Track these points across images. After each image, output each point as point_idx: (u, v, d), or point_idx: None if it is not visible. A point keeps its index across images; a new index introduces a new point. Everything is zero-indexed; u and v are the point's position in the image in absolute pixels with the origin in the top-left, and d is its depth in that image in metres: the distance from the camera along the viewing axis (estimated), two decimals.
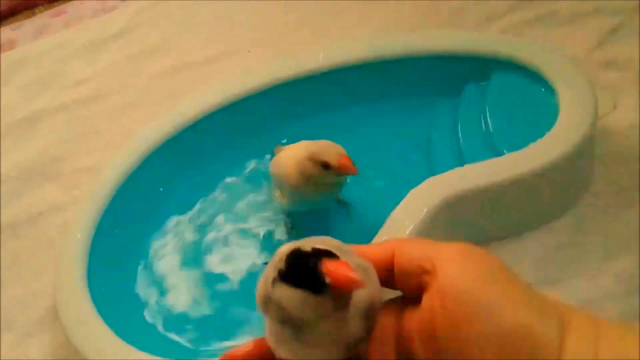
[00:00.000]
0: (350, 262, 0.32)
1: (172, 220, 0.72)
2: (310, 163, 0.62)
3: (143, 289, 0.66)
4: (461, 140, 0.70)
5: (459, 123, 0.71)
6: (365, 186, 0.70)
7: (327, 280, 0.31)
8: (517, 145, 0.62)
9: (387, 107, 0.78)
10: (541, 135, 0.62)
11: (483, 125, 0.69)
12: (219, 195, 0.74)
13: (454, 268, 0.33)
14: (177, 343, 0.61)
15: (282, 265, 0.32)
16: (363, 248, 0.37)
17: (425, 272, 0.33)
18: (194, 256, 0.68)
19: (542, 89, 0.69)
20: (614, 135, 0.71)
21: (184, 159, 0.75)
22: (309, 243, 0.32)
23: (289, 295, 0.31)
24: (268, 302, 0.32)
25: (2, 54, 1.06)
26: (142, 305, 0.64)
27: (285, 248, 0.33)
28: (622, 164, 0.68)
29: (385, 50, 0.78)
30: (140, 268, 0.68)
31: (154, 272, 0.67)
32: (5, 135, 0.91)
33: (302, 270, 0.31)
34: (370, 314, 0.34)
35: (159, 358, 0.55)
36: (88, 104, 0.93)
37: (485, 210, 0.61)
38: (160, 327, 0.62)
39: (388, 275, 0.36)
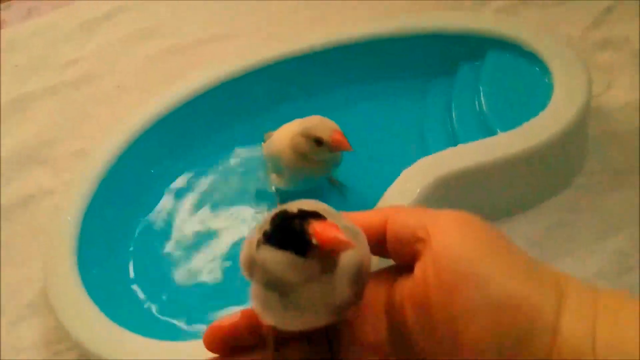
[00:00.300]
0: (338, 224, 0.30)
1: (164, 202, 0.71)
2: (303, 139, 0.62)
3: (135, 271, 0.66)
4: (455, 120, 0.69)
5: (453, 103, 0.71)
6: (358, 167, 0.70)
7: (314, 241, 0.29)
8: (511, 124, 0.62)
9: (380, 87, 0.78)
10: (535, 114, 0.62)
11: (477, 105, 0.68)
12: (210, 177, 0.73)
13: (449, 236, 0.31)
14: (170, 324, 0.61)
15: (267, 227, 0.30)
16: (354, 215, 0.35)
17: (419, 240, 0.32)
18: (185, 238, 0.68)
19: (537, 69, 0.68)
20: (608, 115, 0.70)
21: (175, 141, 0.74)
22: (296, 205, 0.31)
23: (274, 257, 0.30)
24: (253, 266, 0.31)
25: None
26: (134, 287, 0.64)
27: (273, 212, 0.31)
28: (616, 143, 0.67)
29: (378, 30, 0.77)
30: (131, 250, 0.67)
31: (145, 254, 0.67)
32: None
33: (287, 232, 0.30)
34: (359, 279, 0.32)
35: (151, 340, 0.55)
36: (79, 87, 0.93)
37: (479, 190, 0.61)
38: (153, 309, 0.62)
39: (380, 243, 0.34)
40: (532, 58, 0.69)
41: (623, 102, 0.71)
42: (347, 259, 0.31)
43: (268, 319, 0.33)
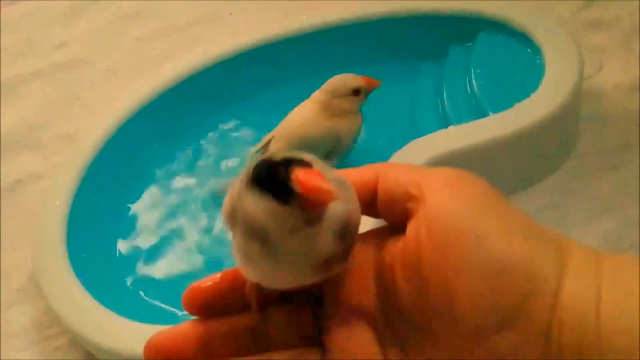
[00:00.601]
0: (324, 173, 0.29)
1: (153, 187, 0.71)
2: (338, 100, 0.62)
3: (124, 255, 0.65)
4: (446, 102, 0.69)
5: (444, 84, 0.71)
6: (354, 154, 0.70)
7: (297, 189, 0.27)
8: (503, 106, 0.62)
9: (371, 69, 0.77)
10: (526, 96, 0.62)
11: (468, 87, 0.68)
12: (200, 161, 0.73)
13: (443, 193, 0.30)
14: (161, 308, 0.61)
15: (249, 174, 0.29)
16: (343, 171, 0.33)
17: (412, 198, 0.30)
18: (175, 222, 0.68)
19: (528, 50, 0.68)
20: (600, 96, 0.70)
21: (164, 125, 0.74)
22: (282, 154, 0.29)
23: (255, 205, 0.29)
24: (234, 215, 0.30)
25: None
26: (124, 271, 0.64)
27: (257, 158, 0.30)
28: (607, 125, 0.67)
29: (368, 11, 0.77)
30: (120, 234, 0.67)
31: (134, 238, 0.67)
32: None
33: (270, 179, 0.28)
34: (347, 234, 0.30)
35: (142, 324, 0.55)
36: (68, 70, 0.92)
37: (469, 171, 0.61)
38: (143, 293, 0.62)
39: (370, 201, 0.32)
40: (523, 39, 0.68)
41: (614, 84, 0.70)
42: (333, 212, 0.29)
43: (249, 274, 0.32)
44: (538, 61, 0.66)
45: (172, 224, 0.68)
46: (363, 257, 0.32)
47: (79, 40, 0.96)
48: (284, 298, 0.34)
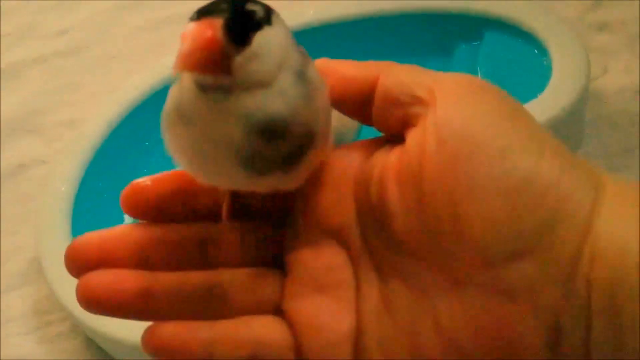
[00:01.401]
0: (277, 51, 0.25)
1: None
2: None
3: None
4: None
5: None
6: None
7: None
8: None
9: None
10: (533, 96, 0.62)
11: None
12: None
13: (458, 99, 0.25)
14: None
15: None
16: (336, 63, 0.28)
17: (419, 101, 0.26)
18: None
19: (535, 50, 0.68)
20: (604, 99, 0.70)
21: None
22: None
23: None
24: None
25: None
26: None
27: None
28: (611, 127, 0.68)
29: (374, 7, 0.77)
30: (125, 222, 0.67)
31: None
32: None
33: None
34: (278, 135, 0.26)
35: None
36: (68, 56, 0.91)
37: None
38: None
39: (364, 102, 0.28)
40: (530, 39, 0.69)
41: (619, 86, 0.71)
42: (257, 104, 0.25)
43: (167, 141, 0.29)
44: (544, 62, 0.66)
45: None
46: (341, 168, 0.28)
47: (81, 27, 0.95)
48: (252, 215, 0.30)
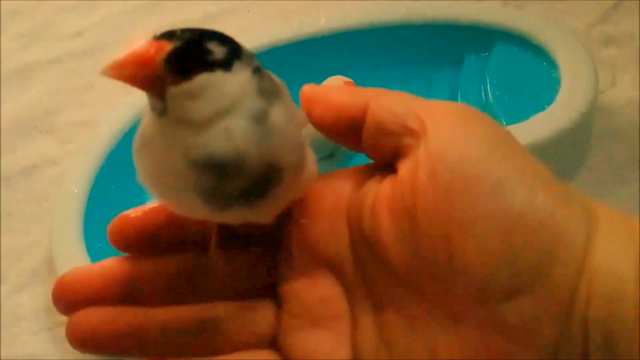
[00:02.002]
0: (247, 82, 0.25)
1: None
2: None
3: None
4: None
5: (459, 93, 0.72)
6: (361, 155, 0.70)
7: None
8: (517, 118, 0.63)
9: (385, 75, 0.78)
10: (542, 109, 0.63)
11: (483, 96, 0.69)
12: None
13: (450, 130, 0.25)
14: None
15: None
16: (323, 92, 0.28)
17: (409, 132, 0.26)
18: None
19: (544, 63, 0.69)
20: (612, 112, 0.71)
21: None
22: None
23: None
24: None
25: None
26: None
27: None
28: (619, 140, 0.68)
29: (385, 16, 0.77)
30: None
31: None
32: None
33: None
34: (232, 170, 0.25)
35: None
36: (83, 57, 0.92)
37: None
38: None
39: (354, 131, 0.27)
40: (539, 51, 0.69)
41: (626, 99, 0.72)
42: (192, 136, 0.25)
43: (136, 163, 0.28)
44: (553, 74, 0.67)
45: None
46: (333, 198, 0.28)
47: (95, 29, 0.96)
48: (242, 245, 0.29)
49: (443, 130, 0.25)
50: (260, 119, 0.26)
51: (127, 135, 0.69)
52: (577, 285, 0.23)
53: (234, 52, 0.25)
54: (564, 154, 0.64)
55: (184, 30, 0.25)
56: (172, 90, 0.25)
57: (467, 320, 0.24)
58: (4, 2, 1.04)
